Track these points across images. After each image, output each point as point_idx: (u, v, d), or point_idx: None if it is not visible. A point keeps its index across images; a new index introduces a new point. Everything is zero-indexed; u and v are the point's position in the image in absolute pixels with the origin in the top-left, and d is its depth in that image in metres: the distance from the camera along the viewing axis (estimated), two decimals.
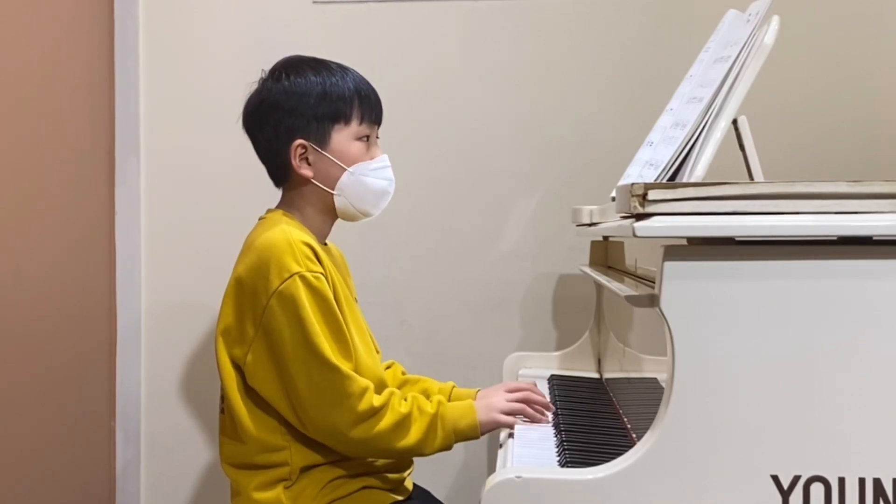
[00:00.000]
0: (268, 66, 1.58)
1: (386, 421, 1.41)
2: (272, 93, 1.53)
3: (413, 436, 1.42)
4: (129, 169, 2.18)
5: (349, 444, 1.43)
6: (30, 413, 1.89)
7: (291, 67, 1.55)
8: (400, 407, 1.43)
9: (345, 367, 1.41)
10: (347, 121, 1.54)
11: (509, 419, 1.46)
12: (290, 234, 1.45)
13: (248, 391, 1.47)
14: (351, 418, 1.40)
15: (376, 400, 1.41)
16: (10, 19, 1.83)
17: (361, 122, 1.55)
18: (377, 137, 1.59)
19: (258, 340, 1.44)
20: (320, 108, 1.52)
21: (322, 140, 1.52)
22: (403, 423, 1.42)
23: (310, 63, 1.56)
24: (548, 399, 1.64)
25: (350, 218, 1.59)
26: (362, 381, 1.42)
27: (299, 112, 1.52)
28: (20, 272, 1.85)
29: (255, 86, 1.57)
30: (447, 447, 1.45)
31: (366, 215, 1.58)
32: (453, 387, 1.69)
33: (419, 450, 1.44)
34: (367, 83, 1.57)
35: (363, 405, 1.40)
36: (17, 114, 1.85)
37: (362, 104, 1.55)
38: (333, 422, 1.41)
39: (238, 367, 1.48)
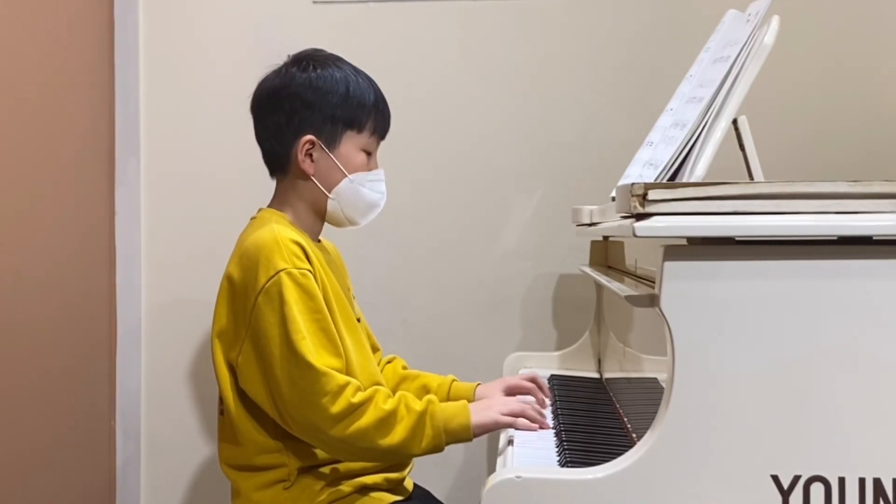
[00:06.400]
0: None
1: (367, 418, 1.37)
2: (295, 81, 1.52)
3: (398, 434, 1.38)
4: (129, 169, 2.18)
5: (331, 444, 1.40)
6: (30, 413, 1.89)
7: (318, 61, 1.54)
8: (384, 404, 1.38)
9: (322, 365, 1.37)
10: (360, 129, 1.54)
11: (509, 419, 1.42)
12: (278, 232, 1.44)
13: (244, 393, 1.47)
14: (327, 417, 1.36)
15: (356, 397, 1.37)
16: (10, 19, 1.83)
17: (372, 134, 1.55)
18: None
19: (247, 340, 1.44)
20: (339, 110, 1.52)
21: (332, 142, 1.52)
22: (387, 421, 1.38)
23: (335, 61, 1.56)
24: (547, 390, 1.65)
25: (336, 223, 1.59)
26: (340, 379, 1.37)
27: (318, 108, 1.51)
28: (20, 273, 1.84)
29: (271, 68, 1.56)
30: (437, 448, 1.40)
31: (352, 224, 1.58)
32: (453, 381, 1.68)
33: (406, 449, 1.39)
34: (384, 97, 1.57)
35: (339, 404, 1.36)
36: (17, 114, 1.85)
37: (377, 117, 1.55)
38: (312, 421, 1.38)
39: (233, 370, 1.48)
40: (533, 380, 1.65)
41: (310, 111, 1.51)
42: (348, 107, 1.52)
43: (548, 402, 1.63)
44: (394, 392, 1.63)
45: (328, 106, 1.51)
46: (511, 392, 1.61)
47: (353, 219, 1.57)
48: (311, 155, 1.53)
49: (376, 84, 1.57)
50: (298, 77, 1.53)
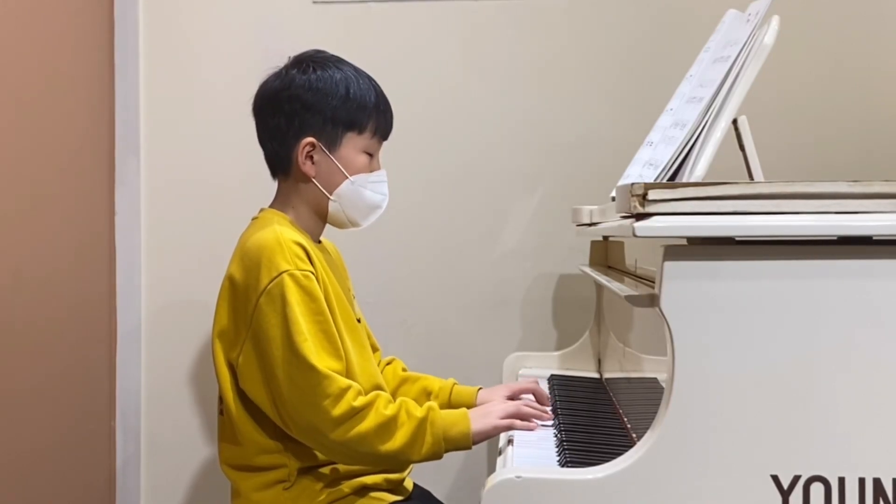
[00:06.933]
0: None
1: (367, 423, 1.37)
2: (295, 83, 1.52)
3: (398, 440, 1.38)
4: (129, 169, 2.18)
5: (330, 447, 1.40)
6: (30, 413, 1.89)
7: (318, 63, 1.54)
8: (385, 409, 1.38)
9: (324, 367, 1.37)
10: (361, 131, 1.53)
11: (506, 422, 1.42)
12: (280, 233, 1.44)
13: (245, 393, 1.47)
14: (328, 420, 1.36)
15: (357, 401, 1.37)
16: (10, 19, 1.83)
17: (374, 135, 1.55)
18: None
19: (248, 341, 1.44)
20: (339, 112, 1.51)
21: (332, 144, 1.52)
22: (388, 427, 1.37)
23: (336, 63, 1.55)
24: (549, 399, 1.65)
25: (338, 225, 1.59)
26: (342, 382, 1.37)
27: (318, 110, 1.51)
28: (20, 272, 1.84)
29: (273, 70, 1.56)
30: (436, 455, 1.40)
31: (354, 225, 1.58)
32: (454, 384, 1.68)
33: (405, 455, 1.39)
34: (386, 97, 1.57)
35: (340, 408, 1.36)
36: (17, 114, 1.85)
37: (378, 118, 1.54)
38: (313, 423, 1.38)
39: (233, 370, 1.48)
40: (534, 384, 1.66)
41: (310, 113, 1.51)
42: (348, 108, 1.52)
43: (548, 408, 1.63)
44: (393, 394, 1.63)
45: (328, 108, 1.51)
46: (514, 396, 1.61)
47: (354, 220, 1.57)
48: (311, 157, 1.52)
49: (378, 85, 1.57)
50: (298, 79, 1.52)
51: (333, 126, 1.52)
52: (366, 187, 1.55)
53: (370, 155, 1.55)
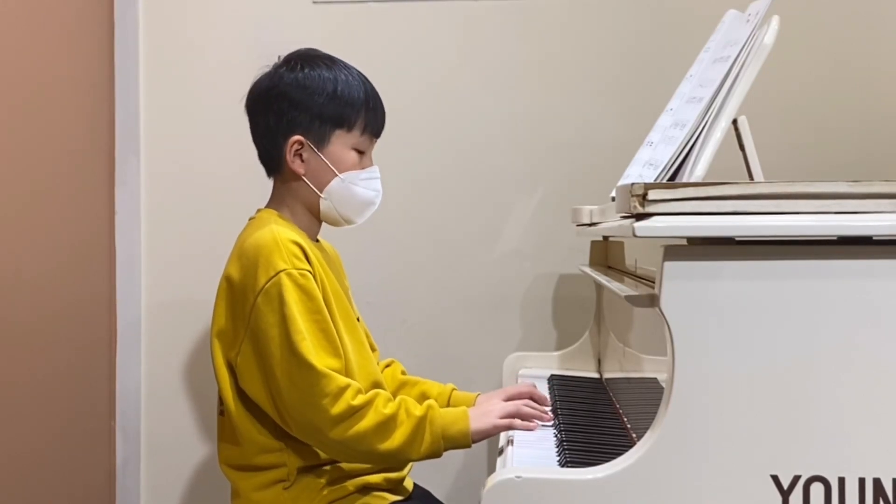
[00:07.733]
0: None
1: (367, 422, 1.37)
2: (283, 81, 1.52)
3: (397, 439, 1.38)
4: (129, 169, 2.18)
5: (330, 445, 1.41)
6: (30, 413, 1.89)
7: (308, 60, 1.54)
8: (384, 408, 1.38)
9: (322, 366, 1.37)
10: (350, 128, 1.53)
11: (506, 421, 1.42)
12: (278, 233, 1.44)
13: (244, 393, 1.47)
14: (327, 418, 1.36)
15: (356, 400, 1.37)
16: (10, 20, 1.83)
17: (363, 133, 1.54)
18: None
19: (246, 340, 1.44)
20: (327, 109, 1.51)
21: (321, 141, 1.52)
22: (387, 425, 1.38)
23: (326, 61, 1.55)
24: (548, 400, 1.65)
25: (332, 222, 1.58)
26: (341, 381, 1.38)
27: (305, 107, 1.51)
28: (20, 273, 1.85)
29: (266, 69, 1.56)
30: (435, 454, 1.40)
31: (348, 222, 1.58)
32: (453, 390, 1.67)
33: (404, 454, 1.39)
34: (377, 95, 1.56)
35: (339, 406, 1.36)
36: (17, 114, 1.85)
37: (368, 115, 1.54)
38: (312, 422, 1.38)
39: (232, 369, 1.48)
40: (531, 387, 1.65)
41: (297, 111, 1.51)
42: (336, 105, 1.51)
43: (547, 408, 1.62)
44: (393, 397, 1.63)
45: (315, 105, 1.51)
46: (511, 399, 1.60)
47: (348, 217, 1.57)
48: (300, 155, 1.52)
49: (369, 82, 1.56)
50: (287, 77, 1.52)
51: (321, 124, 1.51)
52: (356, 184, 1.54)
53: (361, 153, 1.55)
